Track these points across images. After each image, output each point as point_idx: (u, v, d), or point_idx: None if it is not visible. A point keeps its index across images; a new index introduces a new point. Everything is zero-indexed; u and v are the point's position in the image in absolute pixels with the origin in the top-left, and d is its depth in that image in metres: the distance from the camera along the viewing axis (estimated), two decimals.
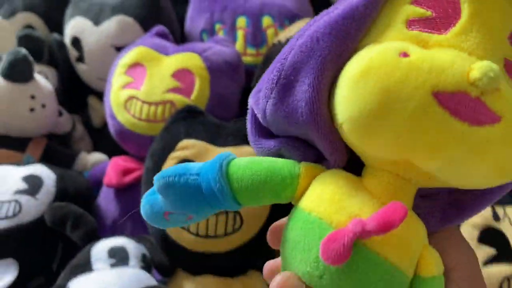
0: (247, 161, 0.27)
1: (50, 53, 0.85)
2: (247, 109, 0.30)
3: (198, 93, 0.65)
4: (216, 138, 0.57)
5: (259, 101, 0.27)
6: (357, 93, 0.23)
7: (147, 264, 0.49)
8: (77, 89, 0.87)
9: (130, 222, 0.64)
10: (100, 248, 0.48)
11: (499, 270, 0.49)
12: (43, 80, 0.75)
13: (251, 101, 0.29)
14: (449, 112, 0.21)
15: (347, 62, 0.24)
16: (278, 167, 0.27)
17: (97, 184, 0.69)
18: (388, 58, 0.22)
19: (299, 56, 0.25)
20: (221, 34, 0.79)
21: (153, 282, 0.46)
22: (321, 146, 0.26)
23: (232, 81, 0.69)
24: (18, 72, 0.68)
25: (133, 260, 0.48)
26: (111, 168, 0.65)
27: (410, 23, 0.24)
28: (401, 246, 0.24)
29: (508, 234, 0.52)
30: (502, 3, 0.24)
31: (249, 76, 0.73)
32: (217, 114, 0.62)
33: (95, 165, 0.75)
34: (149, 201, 0.28)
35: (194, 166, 0.27)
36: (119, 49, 0.77)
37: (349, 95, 0.23)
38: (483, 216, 0.53)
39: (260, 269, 0.56)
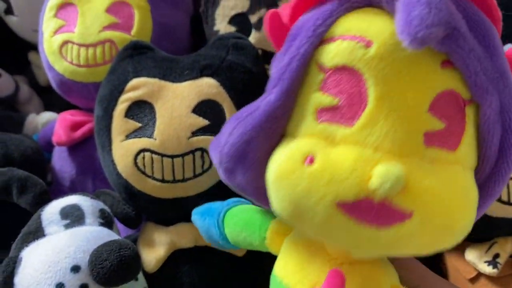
0: (236, 216, 0.36)
1: None
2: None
3: (139, 26, 0.57)
4: (170, 73, 0.50)
5: (216, 163, 0.31)
6: (275, 197, 0.26)
7: (107, 220, 0.44)
8: (15, 46, 0.79)
9: (90, 180, 0.59)
10: (51, 210, 0.43)
11: None
12: None
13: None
14: (354, 220, 0.22)
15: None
16: (252, 229, 0.34)
17: (50, 145, 0.63)
18: (294, 166, 0.24)
19: (234, 153, 0.28)
20: None
21: (114, 237, 0.41)
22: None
23: (176, 9, 0.61)
24: None
25: (90, 218, 0.43)
26: (59, 125, 0.59)
27: (319, 114, 0.25)
28: None
29: None
30: (414, 80, 0.23)
31: (197, 1, 0.64)
32: (166, 49, 0.54)
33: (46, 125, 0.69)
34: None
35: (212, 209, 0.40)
36: None
37: (272, 196, 0.27)
38: None
39: None
